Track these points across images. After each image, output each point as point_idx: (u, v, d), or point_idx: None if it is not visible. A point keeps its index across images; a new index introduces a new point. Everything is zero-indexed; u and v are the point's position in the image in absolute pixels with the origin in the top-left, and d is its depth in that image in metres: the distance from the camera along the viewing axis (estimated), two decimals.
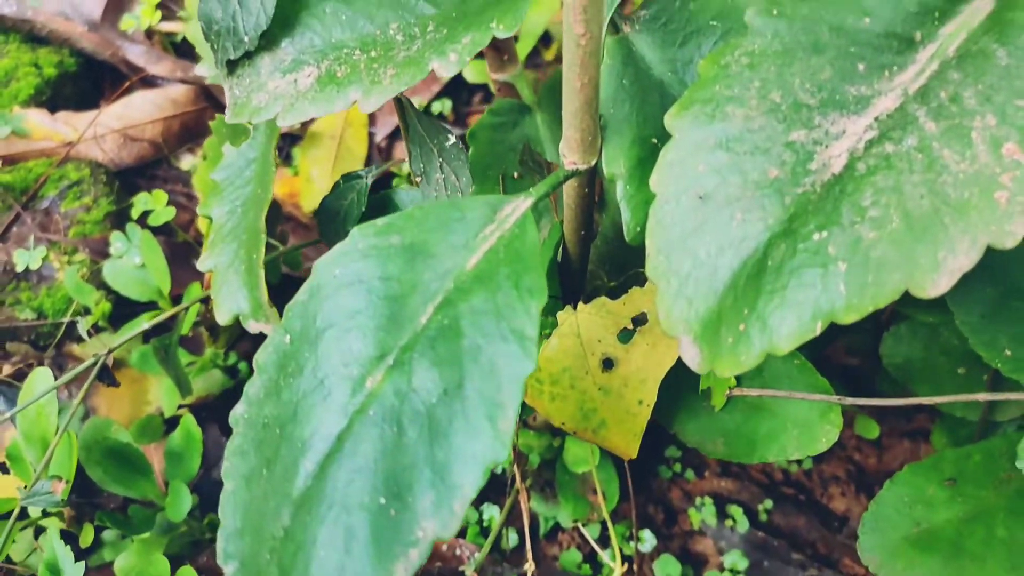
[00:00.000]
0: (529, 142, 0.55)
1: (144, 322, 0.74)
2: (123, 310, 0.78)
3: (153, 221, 0.79)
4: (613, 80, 0.41)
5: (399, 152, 0.97)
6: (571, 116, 0.39)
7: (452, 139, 0.48)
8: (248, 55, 0.43)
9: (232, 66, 0.43)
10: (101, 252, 0.81)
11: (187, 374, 0.71)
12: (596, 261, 0.53)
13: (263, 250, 0.53)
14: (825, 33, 0.37)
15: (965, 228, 0.33)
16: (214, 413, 0.75)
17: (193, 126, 0.99)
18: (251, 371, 0.76)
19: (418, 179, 0.49)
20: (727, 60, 0.37)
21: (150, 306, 0.77)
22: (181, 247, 0.85)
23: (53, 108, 0.97)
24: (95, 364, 0.61)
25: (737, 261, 0.35)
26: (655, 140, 0.41)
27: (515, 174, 0.57)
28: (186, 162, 0.96)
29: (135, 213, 0.79)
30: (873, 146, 0.35)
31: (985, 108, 0.34)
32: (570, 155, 0.41)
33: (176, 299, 0.78)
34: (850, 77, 0.36)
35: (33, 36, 1.02)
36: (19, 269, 0.76)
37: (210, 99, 1.00)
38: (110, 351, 0.61)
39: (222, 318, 0.55)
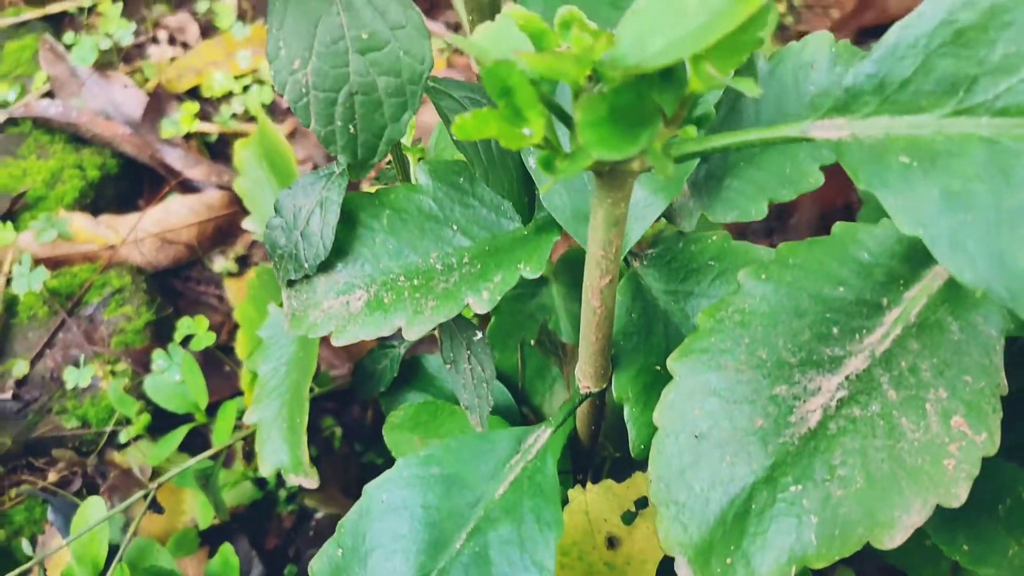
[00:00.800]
0: (546, 318, 0.62)
1: (181, 436, 0.80)
2: (161, 420, 0.84)
3: (195, 346, 0.85)
4: (624, 314, 0.48)
5: None
6: (587, 355, 0.45)
7: (479, 335, 0.54)
8: (306, 275, 0.49)
9: (291, 282, 0.50)
10: (142, 363, 0.87)
11: (221, 490, 0.76)
12: (603, 434, 0.59)
13: (306, 415, 0.59)
14: (805, 300, 0.43)
15: (918, 491, 0.39)
16: (244, 524, 0.80)
17: (226, 228, 1.06)
18: (279, 485, 0.82)
19: (448, 366, 0.55)
20: (721, 315, 0.44)
21: (187, 418, 0.83)
22: (212, 351, 0.91)
23: (96, 209, 1.03)
24: (145, 495, 0.67)
25: (726, 498, 0.41)
26: (658, 368, 0.47)
27: (532, 341, 0.63)
28: (218, 264, 1.02)
29: (178, 336, 0.85)
30: (843, 406, 0.41)
31: (938, 381, 0.41)
32: (585, 380, 0.47)
33: (213, 407, 0.84)
34: (826, 339, 0.43)
35: (77, 137, 1.09)
36: (68, 387, 0.82)
37: (241, 203, 1.07)
38: (159, 484, 0.67)
39: (265, 470, 0.61)
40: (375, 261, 0.49)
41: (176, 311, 0.97)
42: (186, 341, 0.89)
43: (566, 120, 0.35)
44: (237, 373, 0.90)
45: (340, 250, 0.49)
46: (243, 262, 1.04)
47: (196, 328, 0.86)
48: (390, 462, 0.66)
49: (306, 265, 0.48)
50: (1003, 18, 0.30)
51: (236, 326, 0.98)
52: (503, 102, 0.32)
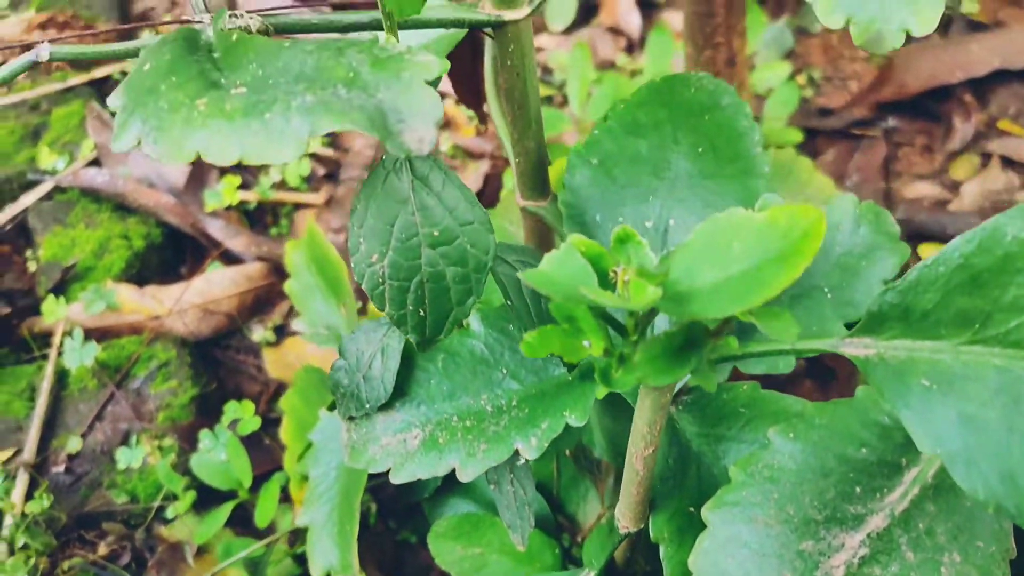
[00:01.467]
0: (582, 434, 0.65)
1: (226, 514, 0.84)
2: (206, 494, 0.88)
3: (241, 430, 0.89)
4: (661, 460, 0.52)
5: None
6: (628, 503, 0.49)
7: (522, 460, 0.58)
8: (366, 412, 0.53)
9: (351, 418, 0.54)
10: (188, 438, 0.91)
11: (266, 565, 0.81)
12: (639, 570, 0.63)
13: (357, 522, 0.63)
14: (831, 459, 0.47)
15: None
16: None
17: (264, 298, 1.10)
18: None
19: (492, 486, 0.59)
20: (752, 470, 0.47)
21: (231, 494, 0.87)
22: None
23: (141, 278, 1.08)
24: None
25: None
26: (692, 510, 0.51)
27: (567, 452, 0.67)
28: (257, 333, 1.07)
29: (225, 420, 0.90)
30: (865, 564, 0.45)
31: (953, 545, 0.44)
32: (624, 521, 0.51)
33: (257, 480, 0.88)
34: (849, 498, 0.46)
35: (123, 206, 1.13)
36: (121, 466, 0.86)
37: (279, 273, 1.11)
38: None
39: (316, 571, 0.65)
40: (430, 402, 0.53)
41: (217, 381, 1.01)
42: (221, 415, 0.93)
43: (619, 328, 0.39)
44: (276, 446, 0.94)
45: (398, 390, 0.53)
46: (280, 332, 1.08)
47: (242, 412, 0.90)
48: (424, 540, 0.69)
49: (367, 405, 0.52)
50: (1015, 264, 0.34)
51: (274, 395, 1.03)
52: (567, 325, 0.36)
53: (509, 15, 0.52)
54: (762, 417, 0.52)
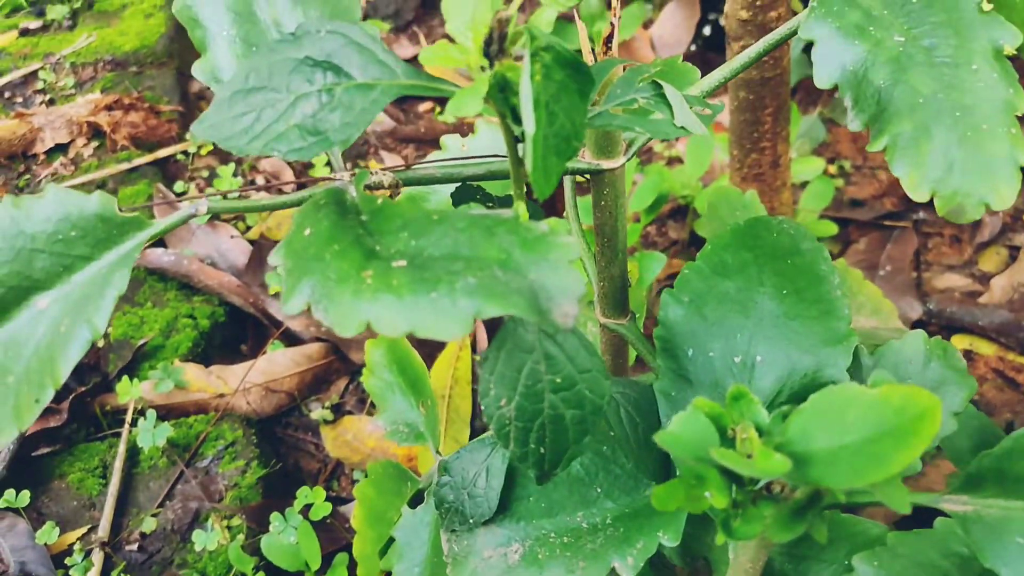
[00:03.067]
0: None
1: None
2: (273, 574, 0.92)
3: (313, 515, 0.93)
4: None
5: None
6: None
7: None
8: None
9: (454, 530, 0.58)
10: (256, 518, 0.95)
11: None
12: None
13: None
14: None
15: None
16: None
17: (322, 376, 1.14)
18: None
19: None
20: None
21: (298, 575, 0.91)
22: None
23: (206, 356, 1.12)
24: None
25: None
26: None
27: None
28: (315, 412, 1.11)
29: (297, 504, 0.93)
30: None
31: None
32: None
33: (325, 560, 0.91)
34: None
35: (188, 285, 1.18)
36: (197, 548, 0.90)
37: (337, 352, 1.16)
38: None
39: None
40: (529, 518, 0.57)
41: (278, 458, 1.05)
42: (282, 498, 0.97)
43: (738, 478, 0.43)
44: (336, 525, 0.98)
45: (500, 507, 0.57)
46: (337, 410, 1.12)
47: (314, 497, 0.94)
48: None
49: (471, 521, 0.56)
50: None
51: (332, 473, 1.06)
52: (693, 480, 0.41)
53: (607, 164, 0.57)
54: (843, 540, 0.56)
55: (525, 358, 0.46)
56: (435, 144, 1.44)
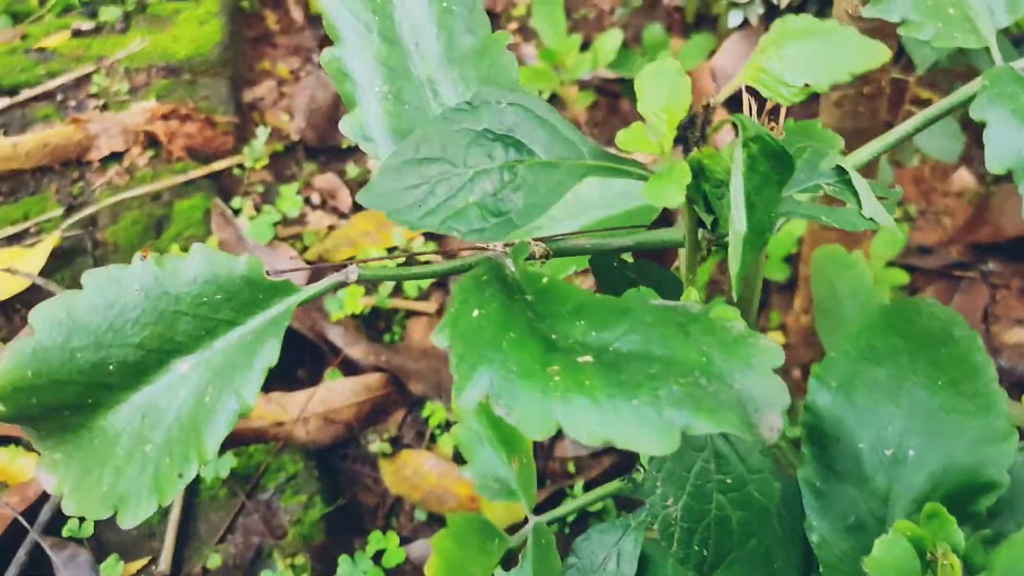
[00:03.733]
0: None
1: None
2: None
3: (386, 562, 0.90)
4: None
5: None
6: None
7: None
8: None
9: None
10: (320, 557, 0.92)
11: None
12: None
13: None
14: None
15: None
16: None
17: (380, 408, 1.12)
18: None
19: None
20: None
21: None
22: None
23: (264, 384, 1.10)
24: None
25: None
26: None
27: None
28: (373, 444, 1.08)
29: (370, 549, 0.91)
30: None
31: None
32: None
33: None
34: None
35: None
36: None
37: (396, 383, 1.13)
38: None
39: None
40: None
41: (336, 490, 1.02)
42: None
43: None
44: (407, 572, 0.95)
45: None
46: (395, 443, 1.09)
47: (387, 543, 0.91)
48: None
49: None
50: None
51: (391, 510, 1.04)
52: None
53: None
54: None
55: (696, 456, 0.44)
56: None
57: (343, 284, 0.47)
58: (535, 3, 1.45)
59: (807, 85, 0.34)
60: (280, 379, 1.12)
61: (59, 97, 1.43)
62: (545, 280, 0.45)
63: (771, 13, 1.44)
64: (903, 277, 1.22)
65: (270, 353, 0.44)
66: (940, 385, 0.53)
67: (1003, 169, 0.49)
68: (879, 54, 0.34)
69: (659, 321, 0.40)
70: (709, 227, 0.41)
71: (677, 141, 0.40)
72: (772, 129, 0.51)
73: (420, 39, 0.49)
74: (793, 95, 0.35)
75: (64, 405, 0.45)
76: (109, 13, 1.56)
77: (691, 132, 0.39)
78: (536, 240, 0.49)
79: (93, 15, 1.58)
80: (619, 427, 0.36)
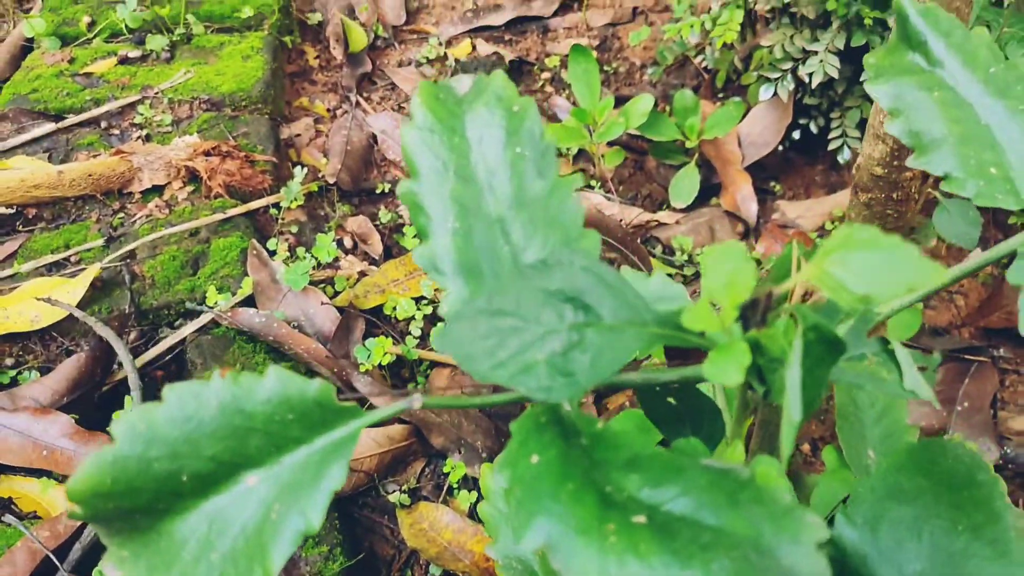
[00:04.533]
0: None
1: None
2: None
3: None
4: None
5: None
6: None
7: None
8: None
9: None
10: None
11: None
12: None
13: None
14: None
15: None
16: None
17: (400, 458, 1.15)
18: None
19: None
20: None
21: None
22: None
23: None
24: None
25: None
26: None
27: None
28: (392, 495, 1.11)
29: None
30: None
31: None
32: None
33: None
34: None
35: (276, 349, 1.19)
36: None
37: (418, 435, 1.16)
38: None
39: None
40: None
41: (355, 541, 1.05)
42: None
43: None
44: None
45: None
46: (413, 494, 1.12)
47: None
48: None
49: None
50: None
51: (407, 562, 1.07)
52: None
53: None
54: None
55: None
56: None
57: (405, 409, 0.50)
58: (571, 61, 1.49)
59: (866, 296, 0.38)
60: None
61: (103, 124, 1.46)
62: (600, 425, 0.48)
63: (800, 88, 1.47)
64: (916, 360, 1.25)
65: (338, 475, 0.47)
66: (961, 529, 0.56)
67: None
68: (938, 275, 0.37)
69: (711, 485, 0.43)
70: (761, 395, 0.44)
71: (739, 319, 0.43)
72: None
73: (494, 180, 0.52)
74: (853, 301, 0.38)
75: (137, 509, 0.48)
76: (156, 42, 1.60)
77: (752, 313, 0.42)
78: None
79: (140, 43, 1.62)
80: None
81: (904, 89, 0.62)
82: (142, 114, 1.46)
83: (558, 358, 0.44)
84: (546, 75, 1.79)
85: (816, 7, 1.34)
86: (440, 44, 1.83)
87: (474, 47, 1.82)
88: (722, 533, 0.41)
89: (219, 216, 1.31)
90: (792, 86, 1.42)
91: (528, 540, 0.43)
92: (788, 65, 1.41)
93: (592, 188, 1.54)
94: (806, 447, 1.23)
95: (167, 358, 1.17)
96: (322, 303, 1.24)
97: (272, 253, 1.29)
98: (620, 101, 1.68)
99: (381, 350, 1.18)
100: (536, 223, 0.52)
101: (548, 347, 0.44)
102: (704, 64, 1.69)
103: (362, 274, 1.31)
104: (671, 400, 0.59)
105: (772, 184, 1.57)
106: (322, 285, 1.28)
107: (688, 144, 1.52)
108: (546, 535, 0.42)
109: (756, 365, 0.43)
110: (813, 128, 1.49)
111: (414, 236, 1.36)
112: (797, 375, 0.39)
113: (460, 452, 1.14)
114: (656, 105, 1.70)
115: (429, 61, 1.79)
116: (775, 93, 1.44)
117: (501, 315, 0.45)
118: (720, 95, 1.68)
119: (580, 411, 0.49)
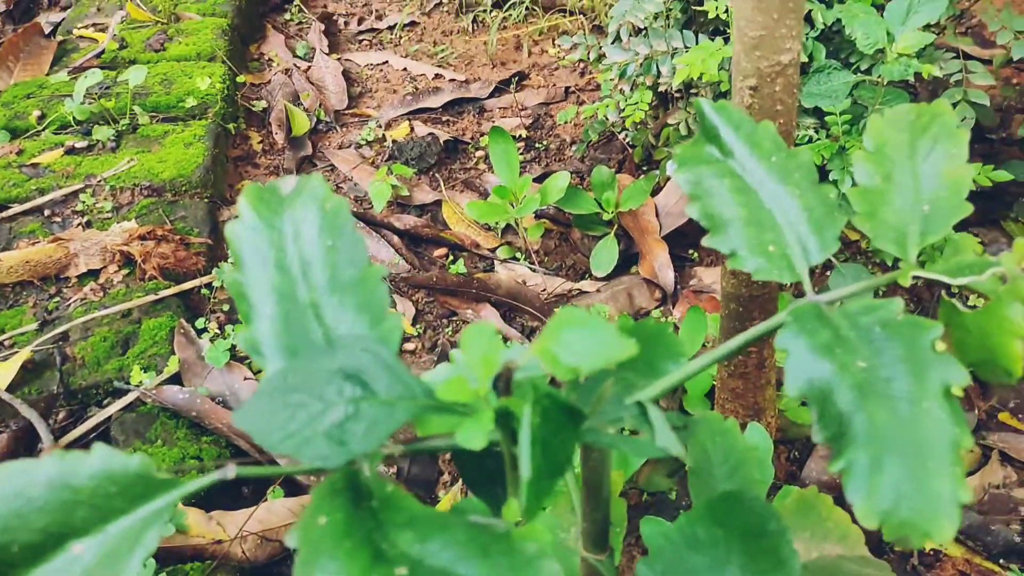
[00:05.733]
0: None
1: None
2: None
3: None
4: None
5: None
6: None
7: None
8: None
9: None
10: None
11: None
12: None
13: None
14: None
15: None
16: None
17: None
18: None
19: None
20: None
21: None
22: None
23: (208, 499, 1.17)
24: None
25: None
26: None
27: None
28: None
29: None
30: None
31: None
32: None
33: None
34: None
35: (198, 424, 1.24)
36: None
37: None
38: None
39: None
40: None
41: None
42: None
43: None
44: None
45: None
46: None
47: None
48: None
49: None
50: None
51: None
52: None
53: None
54: None
55: None
56: (446, 292, 1.52)
57: (221, 480, 0.55)
58: (491, 141, 1.58)
59: (574, 367, 0.44)
60: (226, 496, 1.20)
61: (47, 212, 1.53)
62: (390, 488, 0.53)
63: None
64: (674, 420, 1.31)
65: (151, 543, 0.52)
66: (751, 574, 0.61)
67: (798, 395, 0.58)
68: (629, 349, 0.43)
69: (469, 540, 0.48)
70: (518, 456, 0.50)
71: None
72: None
73: (308, 270, 0.59)
74: (566, 372, 0.44)
75: None
76: (102, 132, 1.69)
77: (499, 384, 0.48)
78: (396, 443, 0.58)
79: (87, 134, 1.71)
80: None
81: (702, 176, 0.69)
82: (84, 201, 1.54)
83: (335, 429, 0.50)
84: (480, 153, 1.88)
85: (713, 89, 1.44)
86: (379, 127, 1.93)
87: (412, 128, 1.92)
88: None
89: (151, 297, 1.38)
90: None
91: None
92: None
93: (518, 260, 1.61)
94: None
95: (92, 436, 1.22)
96: (245, 378, 1.29)
97: (202, 332, 1.35)
98: (547, 177, 1.76)
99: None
100: (347, 307, 0.58)
101: (328, 420, 0.50)
102: (627, 140, 1.78)
103: None
104: (489, 465, 0.64)
105: (690, 251, 1.64)
106: (247, 361, 1.33)
107: (606, 216, 1.59)
108: None
109: (511, 429, 0.49)
110: None
111: None
112: (527, 436, 0.45)
113: None
114: (583, 179, 1.79)
115: (368, 143, 1.88)
116: None
117: (293, 391, 0.51)
118: (644, 169, 1.76)
119: (377, 475, 0.54)
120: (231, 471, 0.56)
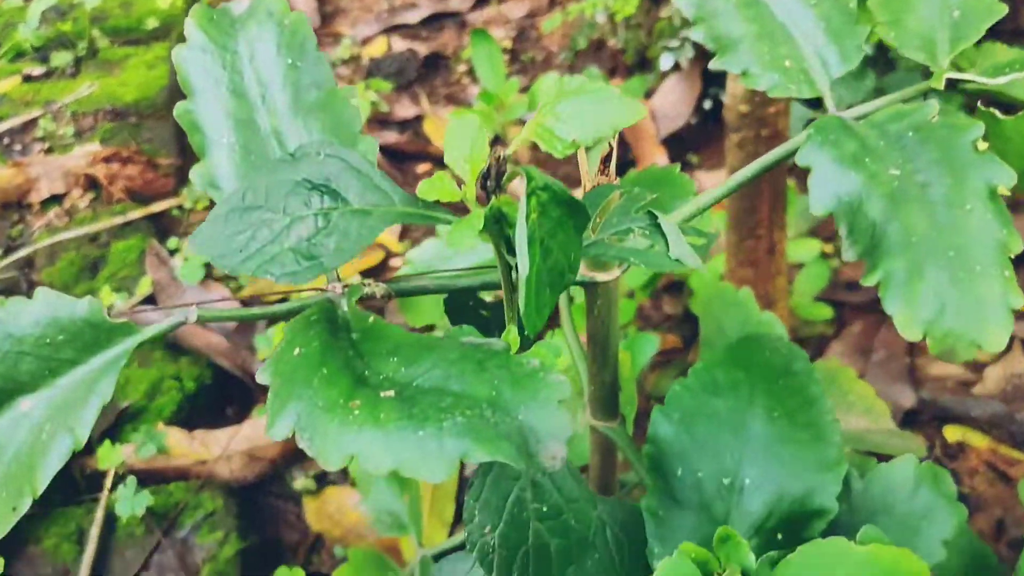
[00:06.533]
0: None
1: None
2: None
3: None
4: None
5: None
6: None
7: None
8: None
9: None
10: None
11: None
12: None
13: None
14: None
15: None
16: None
17: None
18: None
19: None
20: None
21: None
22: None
23: (190, 420, 1.11)
24: None
25: None
26: None
27: None
28: (298, 482, 1.09)
29: None
30: None
31: None
32: None
33: None
34: None
35: (176, 345, 1.17)
36: None
37: None
38: None
39: None
40: None
41: (258, 529, 1.03)
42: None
43: None
44: None
45: None
46: (320, 479, 1.10)
47: None
48: None
49: None
50: None
51: (312, 547, 1.05)
52: None
53: (601, 276, 0.57)
54: None
55: (512, 485, 0.45)
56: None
57: (183, 323, 0.49)
58: (473, 45, 1.49)
59: (574, 141, 0.37)
60: (208, 417, 1.14)
61: (5, 141, 1.45)
62: (371, 320, 0.47)
63: (702, 56, 1.48)
64: (826, 312, 1.25)
65: (105, 390, 0.46)
66: (776, 416, 0.55)
67: (825, 212, 0.51)
68: (636, 111, 0.36)
69: (461, 358, 0.42)
70: (515, 268, 0.44)
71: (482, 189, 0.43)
72: (603, 172, 0.54)
73: (267, 93, 0.52)
74: (564, 148, 0.38)
75: None
76: (60, 58, 1.60)
77: (489, 181, 0.42)
78: (378, 281, 0.51)
79: (45, 60, 1.62)
80: (403, 456, 0.37)
81: None
82: (44, 128, 1.45)
83: (304, 244, 0.43)
84: (462, 68, 1.80)
85: None
86: (355, 44, 1.84)
87: (389, 45, 1.83)
88: (463, 397, 0.40)
89: (119, 220, 1.30)
90: (692, 54, 1.43)
91: (279, 427, 0.42)
92: (686, 32, 1.42)
93: None
94: None
95: None
96: (223, 297, 1.22)
97: (174, 252, 1.28)
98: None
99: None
100: (312, 131, 0.51)
101: (295, 235, 0.43)
102: (617, 46, 1.70)
103: None
104: (484, 313, 0.58)
105: (689, 156, 1.57)
106: (225, 281, 1.27)
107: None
108: (295, 418, 0.41)
109: (506, 238, 0.43)
110: (722, 97, 1.50)
111: None
112: (523, 230, 0.39)
113: None
114: None
115: (344, 61, 1.80)
116: (676, 63, 1.45)
117: (251, 211, 0.44)
118: (636, 73, 1.68)
119: (356, 308, 0.48)
120: (193, 314, 0.50)
